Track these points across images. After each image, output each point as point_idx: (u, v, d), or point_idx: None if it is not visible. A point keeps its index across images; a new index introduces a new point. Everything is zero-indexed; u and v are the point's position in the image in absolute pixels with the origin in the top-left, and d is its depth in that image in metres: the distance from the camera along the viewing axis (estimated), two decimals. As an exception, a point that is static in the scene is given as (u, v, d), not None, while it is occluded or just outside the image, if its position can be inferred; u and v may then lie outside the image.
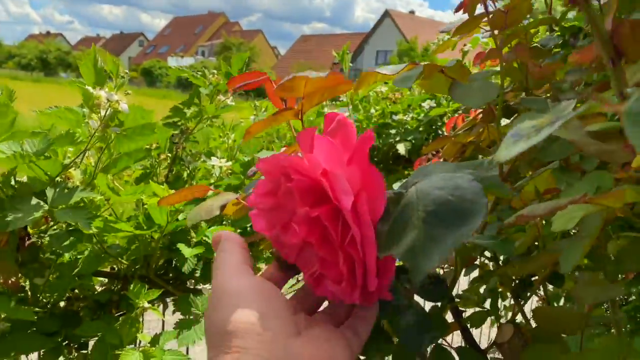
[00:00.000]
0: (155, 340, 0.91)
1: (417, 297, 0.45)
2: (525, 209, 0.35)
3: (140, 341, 0.92)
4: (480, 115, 0.97)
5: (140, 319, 0.96)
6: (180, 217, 0.97)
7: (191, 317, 1.01)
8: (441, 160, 0.95)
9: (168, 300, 1.17)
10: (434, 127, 1.70)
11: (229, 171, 1.14)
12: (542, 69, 0.40)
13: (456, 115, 0.97)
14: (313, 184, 0.37)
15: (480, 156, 0.96)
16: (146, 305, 0.85)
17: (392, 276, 0.36)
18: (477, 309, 0.55)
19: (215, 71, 1.11)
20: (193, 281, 1.11)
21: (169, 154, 1.08)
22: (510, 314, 0.59)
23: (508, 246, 0.47)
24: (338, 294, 0.37)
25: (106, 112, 0.70)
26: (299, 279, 0.52)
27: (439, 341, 0.48)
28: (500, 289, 0.58)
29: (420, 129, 1.66)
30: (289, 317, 0.37)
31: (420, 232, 0.32)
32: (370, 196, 0.35)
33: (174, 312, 1.07)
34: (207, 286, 1.12)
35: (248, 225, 1.03)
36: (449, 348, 0.48)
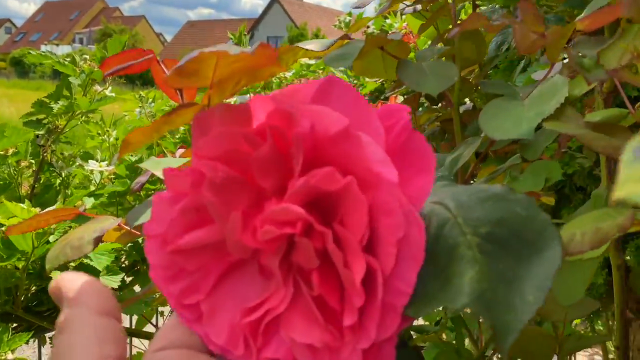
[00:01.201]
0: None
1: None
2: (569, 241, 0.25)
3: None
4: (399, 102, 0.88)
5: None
6: (52, 238, 0.78)
7: (75, 356, 0.83)
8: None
9: (47, 335, 0.97)
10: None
11: (112, 176, 0.96)
12: (547, 36, 0.30)
13: (376, 103, 0.87)
14: (317, 157, 0.21)
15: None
16: (10, 356, 0.67)
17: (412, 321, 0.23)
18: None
19: (87, 57, 0.92)
20: (75, 311, 0.93)
21: (33, 160, 0.88)
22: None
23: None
24: (313, 348, 0.21)
25: None
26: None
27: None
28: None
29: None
30: None
31: (484, 267, 0.20)
32: (408, 181, 0.21)
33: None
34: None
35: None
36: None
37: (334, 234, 0.21)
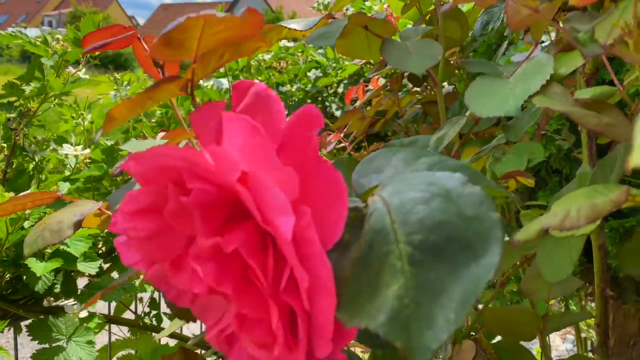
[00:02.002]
0: (4, 384, 0.71)
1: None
2: (550, 218, 0.24)
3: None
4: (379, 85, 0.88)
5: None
6: (27, 224, 0.76)
7: (53, 344, 0.81)
8: (342, 136, 0.84)
9: (23, 324, 0.95)
10: (320, 98, 1.58)
11: (88, 160, 0.94)
12: (541, 12, 0.30)
13: (357, 85, 0.86)
14: (224, 196, 0.23)
15: (390, 131, 0.87)
16: (-15, 345, 0.65)
17: (354, 336, 0.24)
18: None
19: (60, 37, 0.89)
20: (52, 298, 0.91)
21: (4, 144, 0.85)
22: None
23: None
24: None
25: None
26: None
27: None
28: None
29: (308, 100, 1.53)
30: None
31: (409, 281, 0.19)
32: (319, 214, 0.22)
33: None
34: (71, 302, 0.92)
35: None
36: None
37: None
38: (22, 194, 0.42)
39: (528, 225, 0.25)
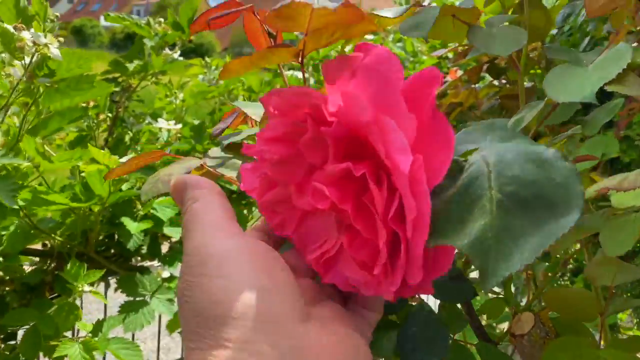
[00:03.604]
0: (97, 327, 0.80)
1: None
2: (609, 180, 0.27)
3: (79, 330, 0.80)
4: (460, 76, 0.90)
5: (79, 303, 0.84)
6: (125, 186, 0.85)
7: (138, 298, 0.90)
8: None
9: (111, 279, 1.05)
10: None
11: (179, 135, 1.01)
12: None
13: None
14: (351, 133, 0.27)
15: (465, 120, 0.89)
16: (86, 288, 0.73)
17: (445, 271, 0.27)
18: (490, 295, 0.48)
19: (162, 20, 0.97)
20: (139, 258, 1.00)
21: (109, 115, 0.94)
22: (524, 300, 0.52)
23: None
24: (360, 282, 0.28)
25: (32, 58, 0.57)
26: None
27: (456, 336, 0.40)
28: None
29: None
30: (295, 292, 0.27)
31: (494, 221, 0.23)
32: (428, 158, 0.25)
33: (116, 290, 0.95)
34: (155, 263, 1.01)
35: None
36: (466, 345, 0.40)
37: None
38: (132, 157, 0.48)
39: (588, 189, 0.28)
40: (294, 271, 0.29)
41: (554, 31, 0.84)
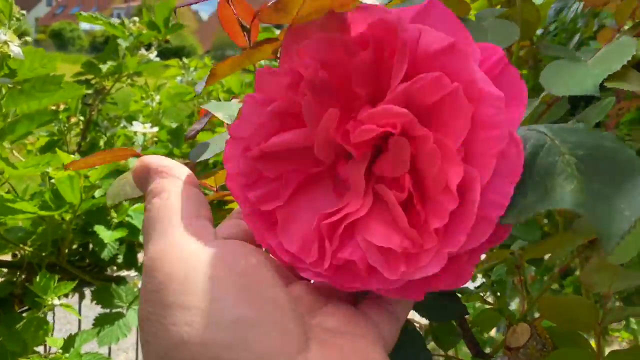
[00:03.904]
0: (69, 342, 0.76)
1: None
2: None
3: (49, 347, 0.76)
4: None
5: (50, 316, 0.80)
6: (97, 193, 0.81)
7: (114, 310, 0.86)
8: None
9: (85, 290, 1.00)
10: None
11: (155, 139, 0.98)
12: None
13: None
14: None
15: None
16: (56, 301, 0.69)
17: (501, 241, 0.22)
18: (481, 306, 0.45)
19: (136, 19, 0.93)
20: (115, 268, 0.95)
21: (82, 118, 0.90)
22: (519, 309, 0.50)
23: (533, 230, 0.37)
24: (386, 258, 0.21)
25: (-10, 57, 0.53)
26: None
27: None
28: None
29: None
30: (289, 315, 0.21)
31: (582, 184, 0.20)
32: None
33: (92, 300, 0.91)
34: (132, 273, 0.97)
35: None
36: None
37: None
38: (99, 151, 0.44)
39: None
40: (283, 274, 0.23)
41: (539, 31, 0.82)
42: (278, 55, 0.29)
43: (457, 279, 0.22)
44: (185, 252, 0.21)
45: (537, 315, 0.52)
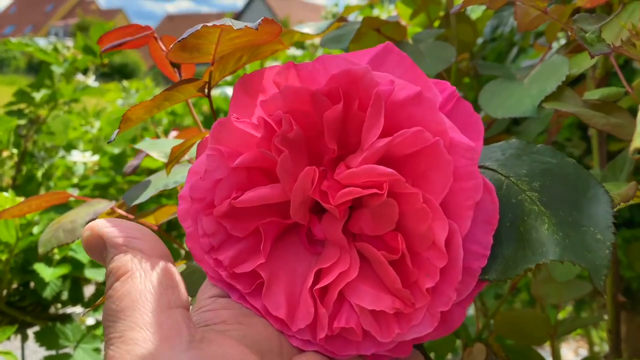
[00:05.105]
0: (11, 391, 0.71)
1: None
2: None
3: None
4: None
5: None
6: (36, 229, 0.76)
7: (60, 351, 0.81)
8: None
9: (28, 330, 0.95)
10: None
11: (96, 167, 0.94)
12: (549, 13, 0.30)
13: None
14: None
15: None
16: (-6, 350, 0.65)
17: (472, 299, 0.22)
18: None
19: (70, 45, 0.90)
20: (59, 305, 0.91)
21: (15, 150, 0.85)
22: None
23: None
24: (375, 322, 0.20)
25: None
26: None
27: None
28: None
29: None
30: None
31: (552, 219, 0.21)
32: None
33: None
34: (77, 309, 0.92)
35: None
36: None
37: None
38: (36, 195, 0.42)
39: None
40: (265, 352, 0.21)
41: (480, 40, 0.84)
42: (205, 93, 0.28)
43: (448, 328, 0.21)
44: None
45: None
